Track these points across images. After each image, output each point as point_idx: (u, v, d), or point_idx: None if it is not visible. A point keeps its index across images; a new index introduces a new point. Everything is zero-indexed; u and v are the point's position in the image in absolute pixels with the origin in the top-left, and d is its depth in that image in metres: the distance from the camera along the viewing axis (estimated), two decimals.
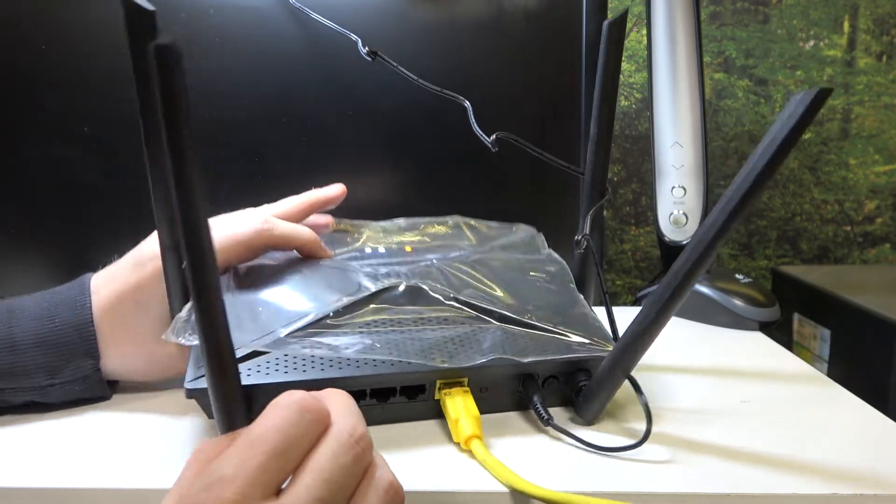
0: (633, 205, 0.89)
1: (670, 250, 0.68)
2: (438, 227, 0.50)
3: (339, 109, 0.58)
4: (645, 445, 0.35)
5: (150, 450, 0.35)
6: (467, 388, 0.37)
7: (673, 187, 0.66)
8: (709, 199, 0.67)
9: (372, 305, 0.39)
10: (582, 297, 0.44)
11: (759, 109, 0.87)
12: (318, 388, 0.29)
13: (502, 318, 0.40)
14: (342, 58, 0.56)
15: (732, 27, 0.86)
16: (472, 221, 0.52)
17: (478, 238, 0.50)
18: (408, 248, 0.46)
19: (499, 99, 0.60)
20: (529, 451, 0.36)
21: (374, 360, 0.36)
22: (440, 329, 0.38)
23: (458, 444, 0.35)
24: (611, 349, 0.37)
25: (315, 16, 0.54)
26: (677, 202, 0.66)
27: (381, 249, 0.48)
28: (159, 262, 0.37)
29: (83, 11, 0.56)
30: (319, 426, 0.26)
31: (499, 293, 0.42)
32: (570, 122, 0.60)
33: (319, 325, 0.37)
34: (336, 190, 0.50)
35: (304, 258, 0.45)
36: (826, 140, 0.87)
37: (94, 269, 0.41)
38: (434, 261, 0.45)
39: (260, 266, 0.43)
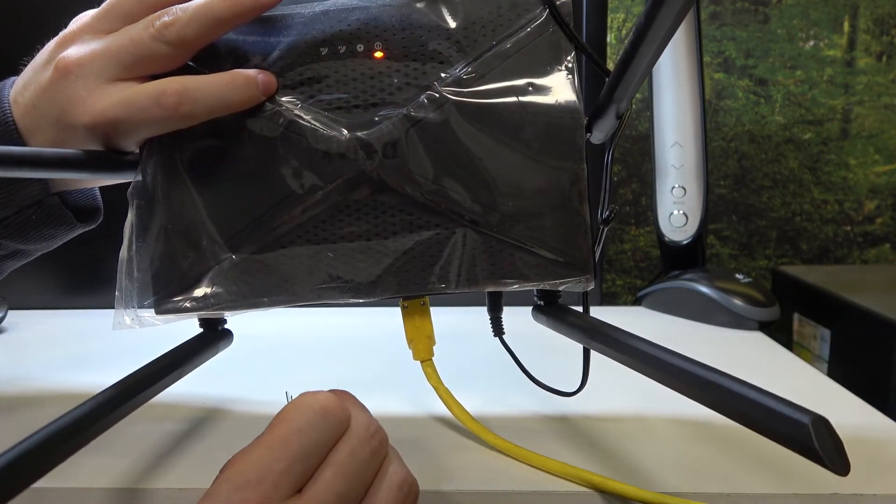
0: (633, 205, 0.89)
1: (670, 250, 0.68)
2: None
3: None
4: (643, 445, 0.35)
5: (151, 450, 0.35)
6: (426, 305, 0.36)
7: (673, 187, 0.66)
8: (709, 199, 0.67)
9: (322, 197, 0.33)
10: (581, 173, 0.33)
11: (759, 109, 0.87)
12: None
13: (472, 221, 0.33)
14: None
15: (732, 27, 0.86)
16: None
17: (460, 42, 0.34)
18: (378, 54, 0.33)
19: None
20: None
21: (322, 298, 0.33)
22: (398, 237, 0.33)
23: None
24: (590, 286, 0.33)
25: None
26: (677, 202, 0.66)
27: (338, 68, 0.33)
28: (74, 59, 0.34)
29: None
30: (342, 427, 0.26)
31: (477, 180, 0.33)
32: None
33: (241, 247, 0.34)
34: None
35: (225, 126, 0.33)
36: (826, 140, 0.87)
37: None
38: (404, 115, 0.33)
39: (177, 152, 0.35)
